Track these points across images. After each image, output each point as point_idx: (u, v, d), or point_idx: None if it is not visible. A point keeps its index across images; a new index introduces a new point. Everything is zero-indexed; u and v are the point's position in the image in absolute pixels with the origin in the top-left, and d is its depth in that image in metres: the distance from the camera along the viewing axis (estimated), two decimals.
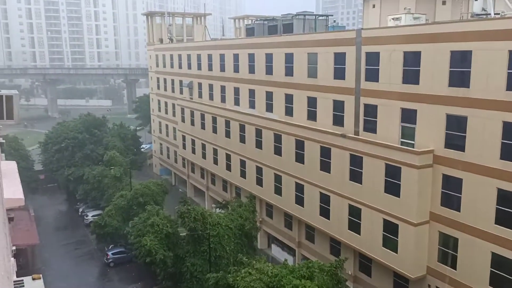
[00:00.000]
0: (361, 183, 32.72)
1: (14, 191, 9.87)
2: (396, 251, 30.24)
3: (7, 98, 10.65)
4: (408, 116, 30.12)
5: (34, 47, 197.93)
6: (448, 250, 28.53)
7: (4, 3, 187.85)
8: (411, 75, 29.52)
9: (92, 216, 54.91)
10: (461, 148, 26.87)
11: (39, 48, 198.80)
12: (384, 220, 30.96)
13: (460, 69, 26.57)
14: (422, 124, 29.15)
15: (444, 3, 43.99)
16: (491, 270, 26.02)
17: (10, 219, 16.40)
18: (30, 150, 73.73)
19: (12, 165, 13.43)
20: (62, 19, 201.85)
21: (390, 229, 30.60)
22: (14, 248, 17.21)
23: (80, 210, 59.89)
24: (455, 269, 28.09)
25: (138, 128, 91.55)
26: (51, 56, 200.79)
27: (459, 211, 27.40)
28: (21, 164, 57.33)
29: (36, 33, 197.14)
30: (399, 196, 29.59)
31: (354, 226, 33.76)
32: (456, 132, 27.23)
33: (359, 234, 33.25)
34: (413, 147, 29.35)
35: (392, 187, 30.04)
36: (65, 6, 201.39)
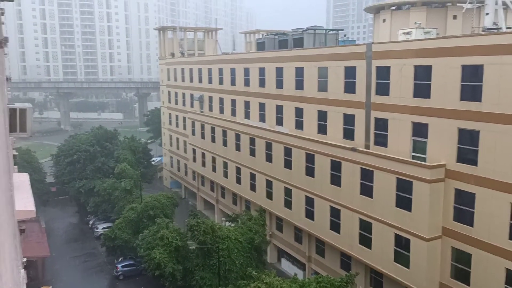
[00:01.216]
0: (372, 197, 32.47)
1: (26, 203, 9.92)
2: (408, 267, 29.84)
3: (21, 111, 10.76)
4: (420, 130, 29.96)
5: (48, 61, 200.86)
6: (461, 266, 28.08)
7: (20, 18, 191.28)
8: (422, 89, 29.42)
9: (102, 229, 55.02)
10: (474, 162, 26.61)
11: (53, 62, 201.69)
12: (396, 234, 30.63)
13: (472, 83, 26.43)
14: (434, 138, 28.95)
15: (455, 17, 44.03)
16: (505, 286, 25.54)
17: (22, 231, 16.45)
18: (42, 163, 74.36)
19: (24, 177, 13.54)
20: (76, 34, 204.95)
21: (402, 244, 30.25)
22: (24, 259, 17.25)
23: (91, 222, 60.07)
24: (469, 286, 27.60)
25: (149, 141, 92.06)
26: (64, 70, 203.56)
27: (472, 226, 27.02)
28: (33, 176, 57.84)
29: (51, 48, 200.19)
30: (410, 211, 29.30)
31: (365, 241, 33.43)
32: (468, 146, 26.99)
33: (370, 248, 32.90)
34: (425, 161, 29.12)
35: (404, 202, 29.77)
36: (79, 21, 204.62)
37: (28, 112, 10.87)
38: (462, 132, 27.26)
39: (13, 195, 8.78)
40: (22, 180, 13.06)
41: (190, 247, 36.46)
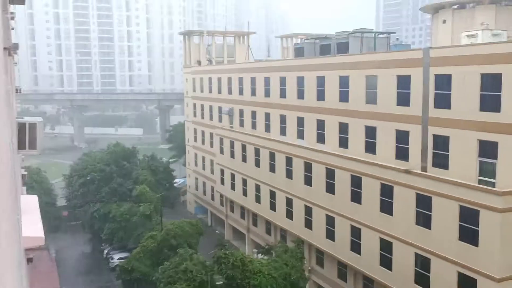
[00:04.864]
0: (429, 228, 31.74)
1: (34, 229, 10.09)
2: None
3: (31, 126, 11.01)
4: (488, 150, 29.21)
5: (61, 71, 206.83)
6: None
7: (31, 23, 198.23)
8: (490, 101, 28.77)
9: (118, 259, 55.64)
10: None
11: (67, 72, 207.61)
12: (459, 273, 29.75)
13: None
14: (505, 159, 28.14)
15: None
16: None
17: (29, 260, 16.79)
18: (53, 183, 76.17)
19: (33, 200, 13.81)
20: (93, 40, 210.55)
21: (467, 284, 29.34)
22: None
23: (105, 252, 60.90)
24: None
25: (171, 160, 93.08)
26: (79, 80, 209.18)
27: None
28: (43, 198, 59.18)
29: (65, 56, 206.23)
30: (477, 245, 28.42)
31: (422, 279, 32.61)
32: None
33: None
34: (494, 186, 28.31)
35: (468, 234, 28.94)
36: (96, 26, 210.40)
37: (39, 126, 11.12)
38: None
39: (20, 220, 8.94)
40: (31, 203, 13.33)
41: (217, 283, 36.37)
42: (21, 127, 10.69)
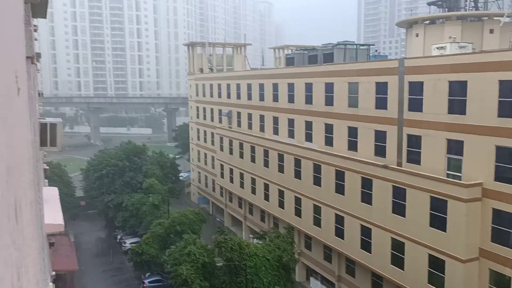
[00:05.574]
0: (404, 216, 31.80)
1: (55, 216, 10.04)
2: None
3: (51, 126, 10.96)
4: (455, 148, 29.29)
5: (79, 77, 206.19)
6: None
7: (52, 34, 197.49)
8: (457, 105, 28.85)
9: (130, 243, 55.56)
10: None
11: (84, 78, 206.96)
12: (430, 255, 29.84)
13: (511, 99, 25.73)
14: (470, 155, 28.23)
15: (491, 31, 43.24)
16: None
17: (51, 244, 16.68)
18: (72, 177, 75.91)
19: (54, 191, 13.74)
20: (107, 50, 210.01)
21: (436, 265, 29.42)
22: (53, 273, 17.45)
23: (118, 237, 60.79)
24: None
25: (177, 156, 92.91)
26: (95, 86, 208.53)
27: None
28: (63, 190, 58.97)
29: (82, 63, 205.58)
30: (445, 231, 28.52)
31: (397, 261, 32.67)
32: (507, 165, 26.17)
33: (403, 269, 32.11)
34: (460, 180, 28.39)
35: (438, 221, 29.02)
36: (110, 37, 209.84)
37: (59, 126, 11.06)
38: (500, 150, 26.48)
39: (42, 209, 8.90)
40: (52, 194, 13.26)
41: (217, 264, 36.40)
42: (43, 127, 10.64)
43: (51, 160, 68.65)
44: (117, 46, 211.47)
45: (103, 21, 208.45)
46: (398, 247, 32.65)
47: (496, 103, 26.37)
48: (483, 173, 27.41)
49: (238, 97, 59.28)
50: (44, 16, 6.98)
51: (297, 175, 44.56)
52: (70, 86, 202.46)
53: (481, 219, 27.54)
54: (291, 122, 47.34)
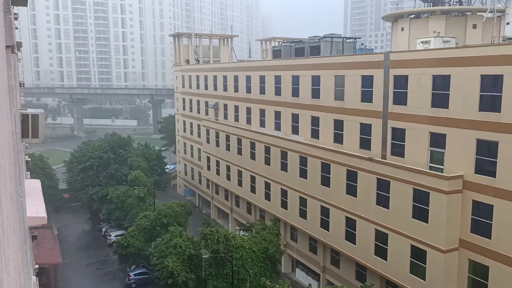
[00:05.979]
0: (388, 208, 32.30)
1: (37, 209, 10.09)
2: (424, 278, 29.57)
3: (33, 117, 10.97)
4: (437, 141, 29.79)
5: (62, 67, 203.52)
6: (478, 279, 27.73)
7: (34, 23, 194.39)
8: (440, 99, 29.29)
9: (115, 236, 55.46)
10: (492, 173, 26.36)
11: (67, 68, 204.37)
12: (412, 246, 30.43)
13: (491, 94, 26.24)
14: (452, 149, 28.75)
15: (474, 26, 43.77)
16: None
17: (34, 237, 16.69)
18: (55, 169, 75.26)
19: (36, 184, 13.74)
20: (90, 40, 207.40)
21: (418, 256, 30.02)
22: (36, 266, 17.47)
23: (103, 229, 60.62)
24: None
25: (163, 148, 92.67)
26: (78, 76, 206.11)
27: (490, 239, 26.73)
28: (46, 182, 58.54)
29: (65, 53, 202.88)
30: (427, 222, 29.08)
31: (381, 252, 33.22)
32: (486, 158, 26.74)
33: (386, 260, 32.68)
34: (442, 172, 28.91)
35: (420, 212, 29.57)
36: (93, 27, 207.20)
37: (40, 117, 11.07)
38: (480, 143, 27.04)
39: (24, 202, 8.96)
40: (34, 186, 13.27)
41: (204, 256, 36.61)
42: (25, 118, 10.65)
43: (33, 152, 68.02)
44: (101, 36, 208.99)
45: (86, 9, 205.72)
46: (381, 238, 33.17)
47: (478, 97, 26.86)
48: (464, 165, 27.96)
49: (225, 89, 59.25)
50: (25, 4, 6.96)
51: (284, 167, 44.84)
52: (52, 76, 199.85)
53: (462, 210, 28.16)
54: (277, 115, 47.54)
